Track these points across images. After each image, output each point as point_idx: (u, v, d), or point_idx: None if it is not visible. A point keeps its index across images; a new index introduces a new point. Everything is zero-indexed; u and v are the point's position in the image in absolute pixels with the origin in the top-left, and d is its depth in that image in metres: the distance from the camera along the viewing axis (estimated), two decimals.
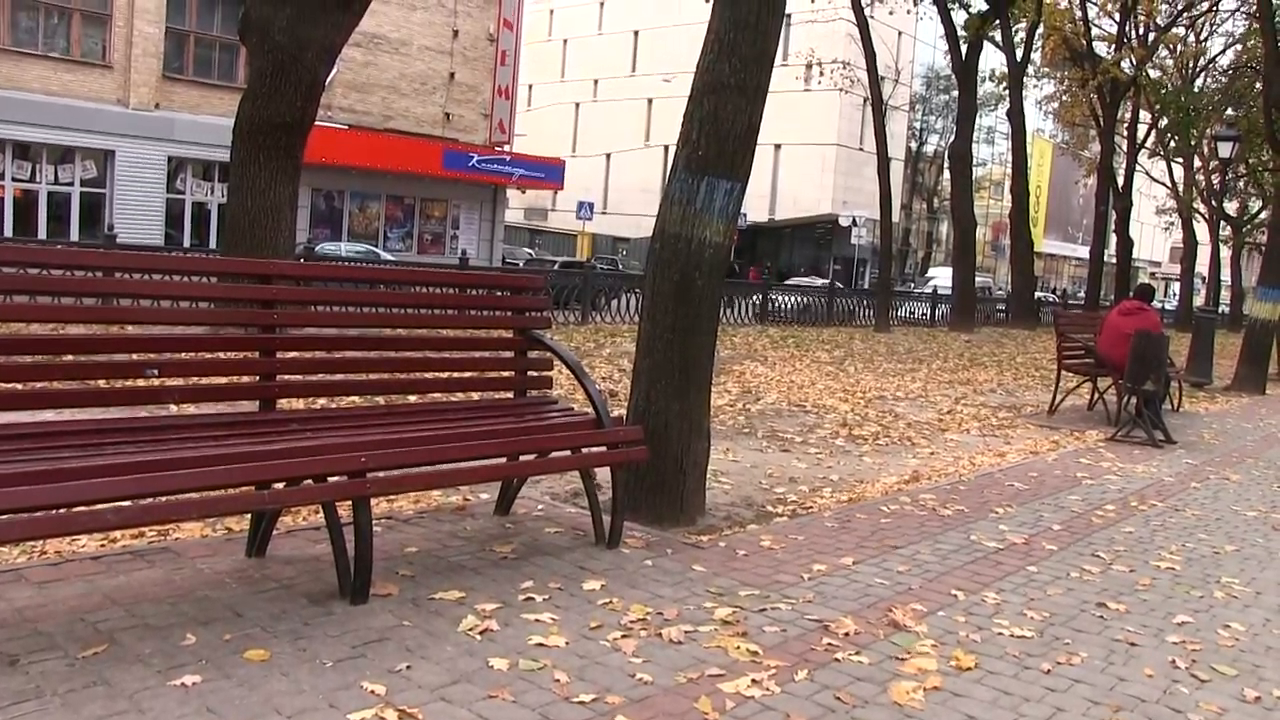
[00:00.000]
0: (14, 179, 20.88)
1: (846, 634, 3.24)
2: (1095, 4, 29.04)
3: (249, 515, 3.61)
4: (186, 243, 22.72)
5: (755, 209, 41.61)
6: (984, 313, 28.56)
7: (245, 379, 3.61)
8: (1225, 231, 39.10)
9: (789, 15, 34.12)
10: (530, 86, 49.36)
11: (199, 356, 3.61)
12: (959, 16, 24.70)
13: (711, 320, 4.55)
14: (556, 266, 26.12)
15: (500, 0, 28.33)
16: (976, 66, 24.92)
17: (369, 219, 27.38)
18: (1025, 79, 28.87)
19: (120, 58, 21.75)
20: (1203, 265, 45.11)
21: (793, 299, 22.86)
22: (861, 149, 42.90)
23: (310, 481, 3.11)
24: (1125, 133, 34.34)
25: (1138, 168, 34.93)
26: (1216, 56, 33.33)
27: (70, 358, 3.35)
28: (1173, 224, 44.22)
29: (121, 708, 2.38)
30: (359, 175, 25.68)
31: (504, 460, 3.82)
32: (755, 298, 21.67)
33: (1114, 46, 29.07)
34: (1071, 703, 2.88)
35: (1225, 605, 3.94)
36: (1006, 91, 27.54)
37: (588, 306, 17.74)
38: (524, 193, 36.08)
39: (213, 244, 22.25)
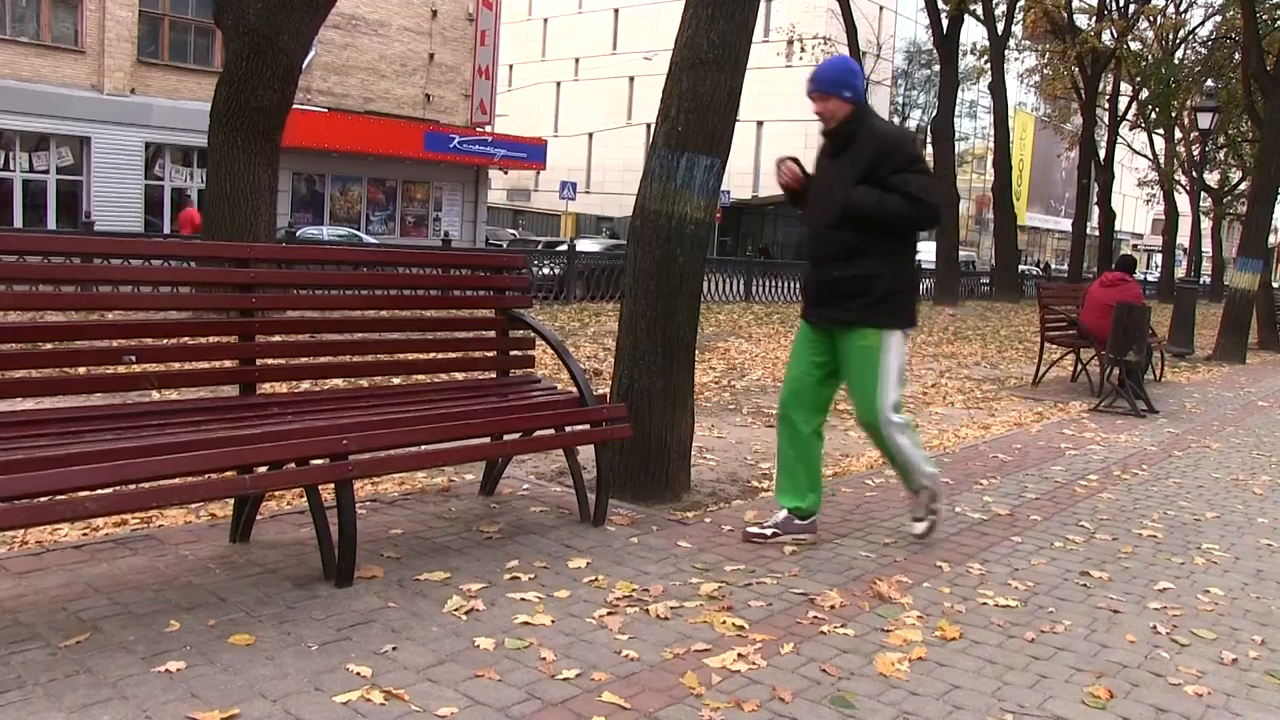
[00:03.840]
0: None
1: (832, 607, 3.26)
2: None
3: (232, 501, 3.60)
4: (166, 229, 22.51)
5: (738, 187, 41.52)
6: (968, 287, 28.64)
7: (226, 363, 3.58)
8: (1206, 203, 39.28)
9: None
10: (511, 66, 49.03)
11: (179, 342, 3.58)
12: None
13: (694, 297, 4.54)
14: (540, 247, 26.03)
15: None
16: (958, 40, 24.87)
17: (351, 202, 27.20)
18: (1007, 52, 28.81)
19: (93, 42, 21.47)
20: (1184, 237, 45.30)
21: None
22: None
23: (293, 465, 3.10)
24: (1106, 105, 34.38)
25: (1119, 140, 35.00)
26: (1196, 28, 33.36)
27: (49, 345, 3.32)
28: (1154, 196, 44.46)
29: (105, 695, 2.37)
30: (340, 158, 25.49)
31: (488, 440, 3.81)
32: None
33: (1095, 18, 29.06)
34: (1055, 670, 2.90)
35: (1205, 571, 3.98)
36: (988, 65, 27.49)
37: (572, 286, 17.69)
38: (506, 173, 35.85)
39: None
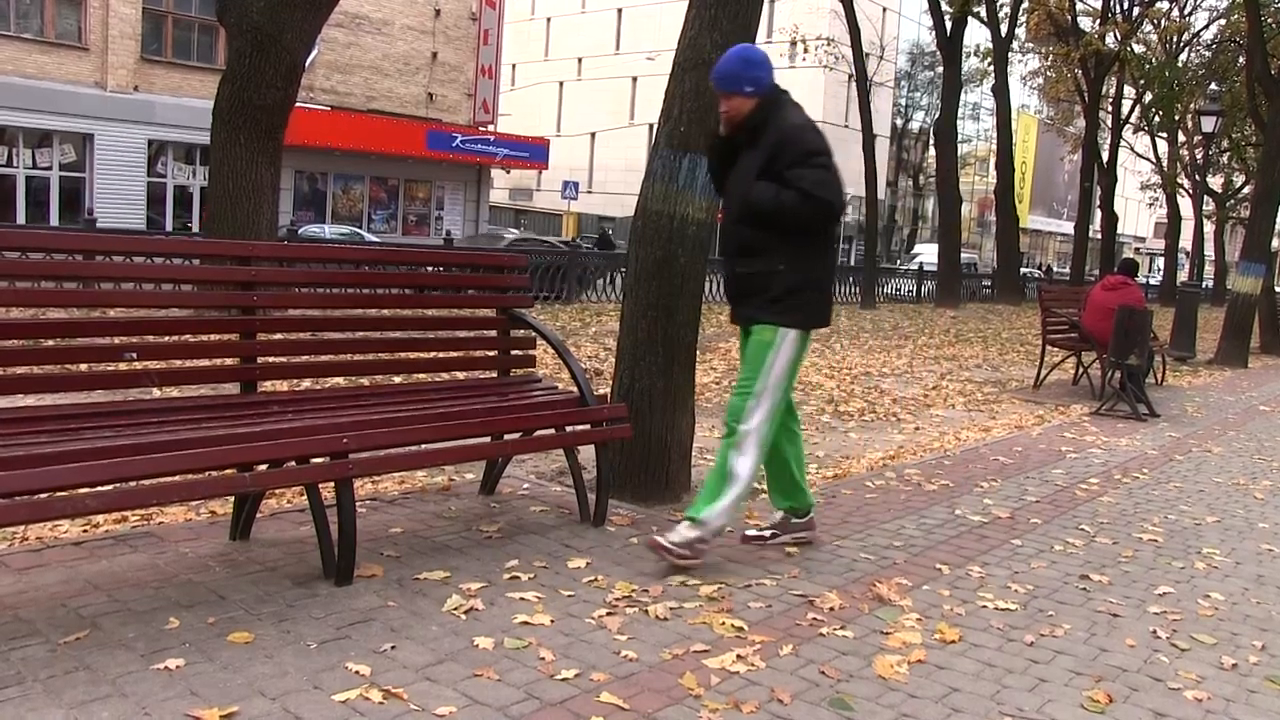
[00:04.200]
0: None
1: (831, 609, 3.25)
2: None
3: (232, 498, 3.60)
4: (169, 226, 22.53)
5: None
6: (970, 289, 28.64)
7: (226, 361, 3.58)
8: (1209, 206, 39.25)
9: None
10: (514, 66, 48.99)
11: (180, 339, 3.58)
12: None
13: (695, 297, 4.54)
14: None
15: None
16: (961, 42, 24.85)
17: (353, 201, 27.21)
18: (1010, 54, 28.81)
19: (97, 39, 21.48)
20: (1187, 240, 45.28)
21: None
22: (847, 126, 42.79)
23: (293, 463, 3.10)
24: (1110, 108, 34.35)
25: (1122, 143, 34.98)
26: (1200, 31, 33.33)
27: (51, 342, 3.32)
28: (1157, 199, 44.36)
29: (104, 692, 2.37)
30: (342, 157, 25.49)
31: (488, 439, 3.81)
32: None
33: (1098, 21, 29.05)
34: (1054, 674, 2.90)
35: (1206, 575, 3.98)
36: (991, 67, 27.49)
37: (573, 286, 17.69)
38: (509, 173, 35.87)
39: (195, 228, 22.08)
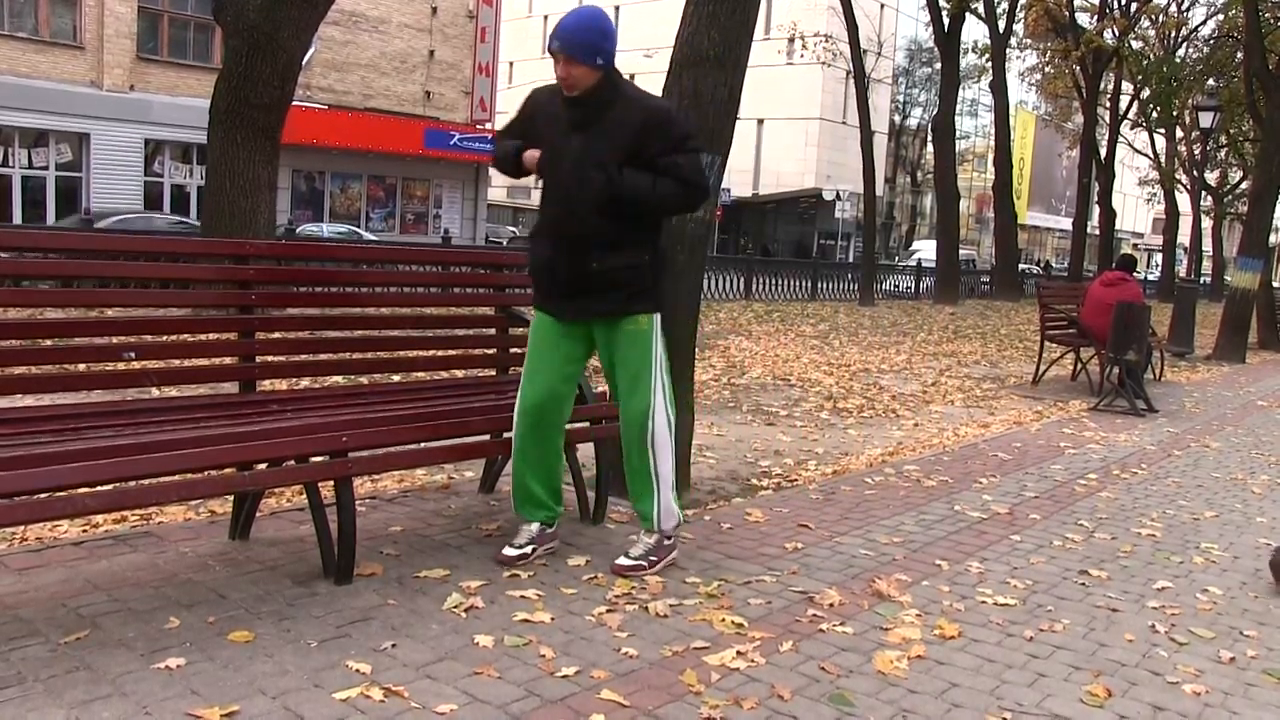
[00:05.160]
0: None
1: (831, 605, 3.26)
2: None
3: (231, 498, 3.60)
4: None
5: (738, 184, 41.54)
6: (968, 285, 28.65)
7: (225, 361, 3.58)
8: (1207, 202, 39.25)
9: None
10: (511, 64, 49.00)
11: (178, 339, 3.58)
12: None
13: (693, 295, 4.53)
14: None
15: None
16: (959, 38, 24.86)
17: (351, 200, 27.20)
18: (1008, 51, 28.82)
19: (92, 38, 21.46)
20: (1185, 236, 45.28)
21: None
22: (845, 123, 42.81)
23: (292, 462, 3.10)
24: (1108, 104, 34.37)
25: (1120, 139, 34.98)
26: (1198, 27, 33.35)
27: (49, 342, 3.32)
28: (1155, 195, 44.41)
29: (104, 692, 2.37)
30: (340, 155, 25.48)
31: (487, 437, 3.81)
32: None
33: (1096, 17, 29.05)
34: (1053, 669, 2.91)
35: (1204, 570, 3.98)
36: (989, 63, 27.49)
37: None
38: None
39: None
